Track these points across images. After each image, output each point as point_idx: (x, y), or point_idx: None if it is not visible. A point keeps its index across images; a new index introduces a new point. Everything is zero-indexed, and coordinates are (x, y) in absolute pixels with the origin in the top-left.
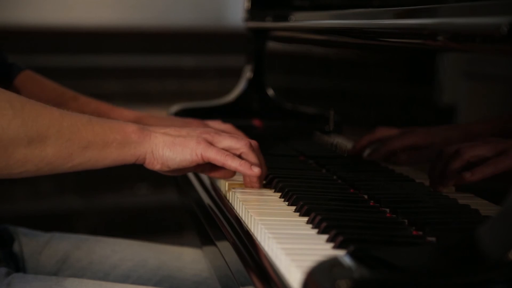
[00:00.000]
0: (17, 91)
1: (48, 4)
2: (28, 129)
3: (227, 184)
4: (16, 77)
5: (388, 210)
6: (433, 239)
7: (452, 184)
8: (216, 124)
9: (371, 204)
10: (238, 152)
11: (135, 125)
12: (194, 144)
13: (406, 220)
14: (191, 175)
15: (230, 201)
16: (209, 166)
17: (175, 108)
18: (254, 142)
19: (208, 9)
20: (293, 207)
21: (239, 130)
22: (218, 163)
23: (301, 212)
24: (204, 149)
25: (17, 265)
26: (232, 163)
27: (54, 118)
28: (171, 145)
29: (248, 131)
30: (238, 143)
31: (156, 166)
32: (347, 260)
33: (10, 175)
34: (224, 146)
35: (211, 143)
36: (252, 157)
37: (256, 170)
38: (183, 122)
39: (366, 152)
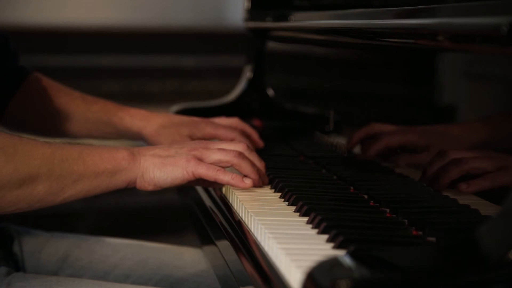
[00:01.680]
0: (26, 93)
1: (48, 4)
2: (20, 173)
3: None
4: (25, 79)
5: (388, 210)
6: (433, 239)
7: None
8: (222, 120)
9: (371, 204)
10: (228, 165)
11: (125, 150)
12: (184, 162)
13: (406, 220)
14: None
15: (230, 201)
16: (202, 180)
17: (175, 108)
18: (243, 146)
19: (208, 9)
20: (293, 207)
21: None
22: (210, 179)
23: (301, 212)
24: (194, 166)
25: (17, 264)
26: (224, 178)
27: (46, 157)
28: (161, 166)
29: None
30: (227, 155)
31: (148, 188)
32: (347, 260)
33: (2, 213)
34: (213, 161)
35: (200, 159)
36: (244, 167)
37: (248, 182)
38: (190, 120)
39: (360, 148)
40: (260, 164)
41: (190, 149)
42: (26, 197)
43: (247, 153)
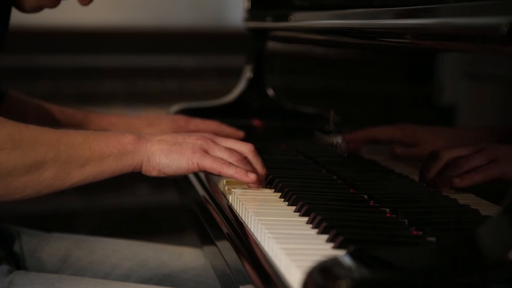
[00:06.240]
0: (7, 111)
1: None
2: (26, 159)
3: (225, 181)
4: (4, 98)
5: (388, 210)
6: (433, 239)
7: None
8: (200, 121)
9: (371, 204)
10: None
11: (131, 134)
12: (190, 153)
13: (406, 220)
14: (191, 175)
15: (230, 201)
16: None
17: (175, 108)
18: (250, 148)
19: (208, 9)
20: (293, 207)
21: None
22: (214, 172)
23: (301, 212)
24: (200, 158)
25: (18, 264)
26: (228, 171)
27: (52, 143)
28: (167, 153)
29: (248, 131)
30: (231, 157)
31: (153, 173)
32: (347, 260)
33: (10, 199)
34: (217, 157)
35: (206, 151)
36: (247, 168)
37: (252, 176)
38: (171, 120)
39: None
40: (261, 169)
41: (197, 138)
42: (34, 183)
43: (251, 155)
